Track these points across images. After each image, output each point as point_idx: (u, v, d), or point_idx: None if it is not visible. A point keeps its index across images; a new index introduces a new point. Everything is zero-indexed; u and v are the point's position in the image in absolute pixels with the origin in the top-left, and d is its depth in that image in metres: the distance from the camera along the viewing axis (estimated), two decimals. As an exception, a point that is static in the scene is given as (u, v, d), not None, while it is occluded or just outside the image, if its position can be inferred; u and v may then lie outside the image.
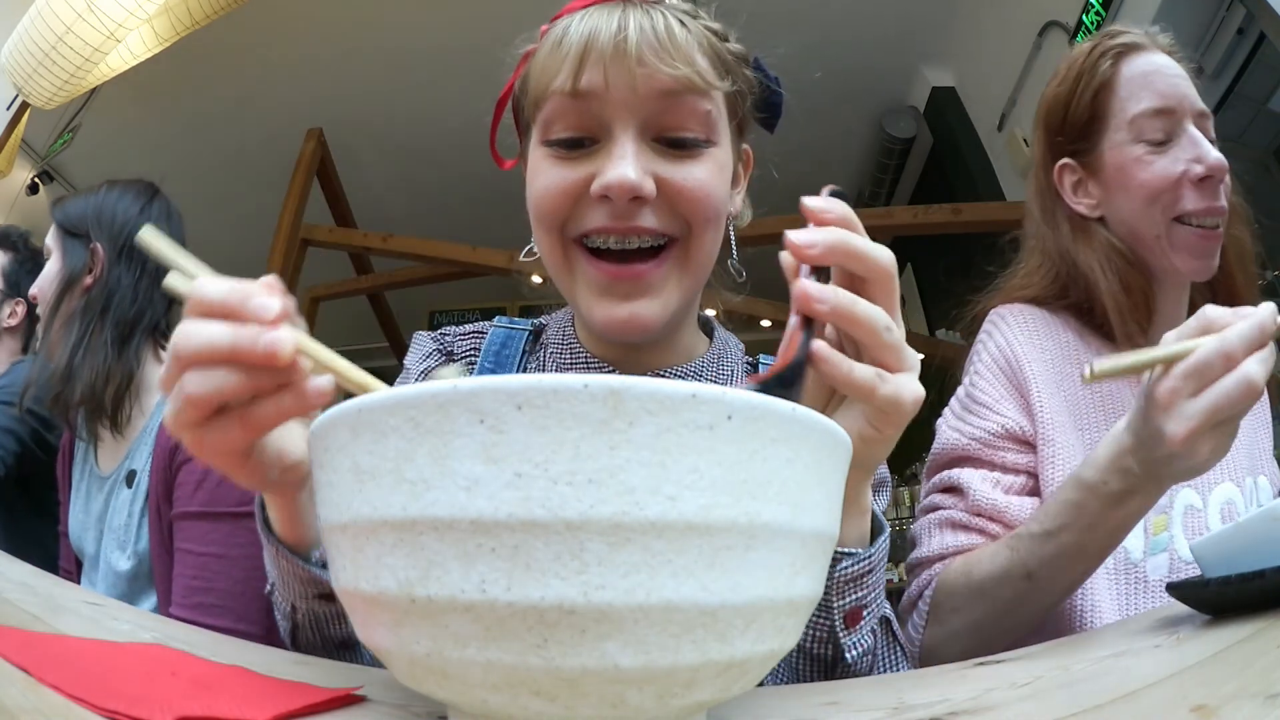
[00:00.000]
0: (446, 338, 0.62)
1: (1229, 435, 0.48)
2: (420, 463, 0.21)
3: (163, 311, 1.07)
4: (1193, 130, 0.74)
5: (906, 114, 3.36)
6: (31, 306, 1.46)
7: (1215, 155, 0.72)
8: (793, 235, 0.35)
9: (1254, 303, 0.63)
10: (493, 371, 0.59)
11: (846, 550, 0.41)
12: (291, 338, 0.31)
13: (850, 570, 0.41)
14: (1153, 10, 2.14)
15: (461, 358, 0.61)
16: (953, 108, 3.11)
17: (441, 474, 0.21)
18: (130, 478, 0.99)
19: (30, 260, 1.47)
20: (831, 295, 0.35)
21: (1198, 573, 0.42)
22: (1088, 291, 0.75)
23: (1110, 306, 0.72)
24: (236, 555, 0.91)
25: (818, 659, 0.44)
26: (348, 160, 3.40)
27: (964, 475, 0.70)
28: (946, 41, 3.05)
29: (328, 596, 0.44)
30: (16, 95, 2.11)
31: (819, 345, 0.35)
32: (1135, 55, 0.77)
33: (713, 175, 0.50)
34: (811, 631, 0.43)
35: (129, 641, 0.38)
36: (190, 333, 0.32)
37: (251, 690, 0.30)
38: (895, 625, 0.49)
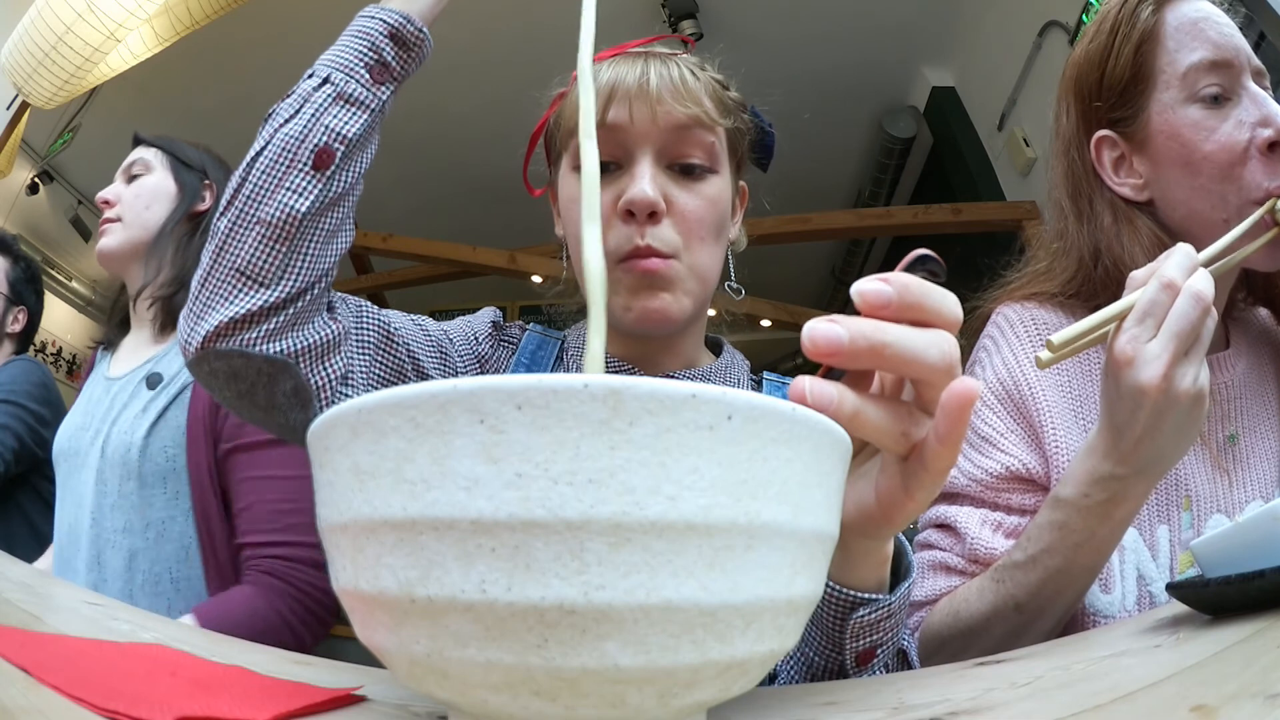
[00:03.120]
0: (498, 322, 0.69)
1: (1200, 362, 0.47)
2: (420, 463, 0.21)
3: None
4: (1254, 87, 0.63)
5: (906, 114, 3.35)
6: (32, 315, 1.47)
7: None
8: (814, 327, 0.28)
9: None
10: (528, 366, 0.64)
11: (866, 596, 0.39)
12: None
13: (868, 617, 0.40)
14: (1153, 10, 2.13)
15: (505, 338, 0.67)
16: (953, 108, 3.11)
17: (441, 474, 0.21)
18: (153, 380, 0.98)
19: (26, 266, 1.48)
20: (835, 400, 0.29)
21: None
22: None
23: None
24: None
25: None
26: (348, 160, 3.39)
27: (960, 515, 0.64)
28: (946, 41, 3.05)
29: (380, 73, 0.53)
30: (16, 95, 2.10)
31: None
32: (1182, 1, 0.65)
33: (712, 200, 0.58)
34: (821, 663, 0.42)
35: (129, 641, 0.38)
36: None
37: (251, 690, 0.30)
38: (912, 656, 0.48)
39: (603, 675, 0.21)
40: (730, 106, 0.61)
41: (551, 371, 0.65)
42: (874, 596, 0.39)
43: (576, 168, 0.59)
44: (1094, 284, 0.66)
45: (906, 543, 0.44)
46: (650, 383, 0.21)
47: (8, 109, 2.25)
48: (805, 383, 0.29)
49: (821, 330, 0.28)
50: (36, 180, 3.11)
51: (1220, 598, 0.37)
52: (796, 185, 3.10)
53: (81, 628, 0.42)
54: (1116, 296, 0.65)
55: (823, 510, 0.25)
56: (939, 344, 0.29)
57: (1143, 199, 0.65)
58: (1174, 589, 0.40)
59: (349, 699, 0.30)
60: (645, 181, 0.55)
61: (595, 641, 0.20)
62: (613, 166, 0.58)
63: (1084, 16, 2.39)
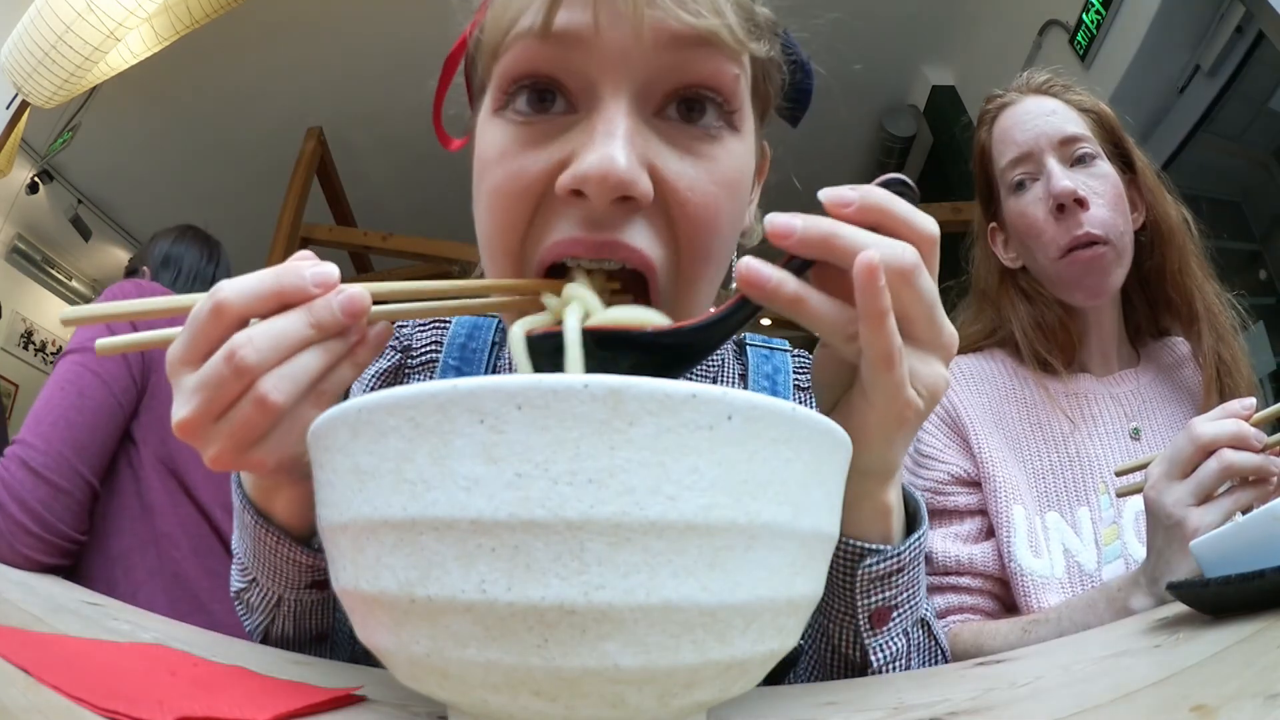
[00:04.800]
0: (404, 330, 0.56)
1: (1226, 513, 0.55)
2: (420, 463, 0.21)
3: None
4: (1049, 164, 0.77)
5: (906, 113, 3.35)
6: None
7: (1061, 184, 0.75)
8: (773, 216, 0.31)
9: (1191, 314, 0.80)
10: (458, 367, 0.55)
11: (871, 546, 0.37)
12: (359, 289, 0.30)
13: (876, 568, 0.38)
14: (1153, 9, 2.13)
15: (421, 351, 0.56)
16: (953, 107, 3.11)
17: (441, 474, 0.21)
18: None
19: None
20: (775, 279, 0.30)
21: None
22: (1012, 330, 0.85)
23: (1020, 338, 0.82)
24: None
25: (847, 659, 0.41)
26: (348, 159, 3.40)
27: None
28: (947, 40, 3.05)
29: (320, 584, 0.43)
30: (16, 95, 2.10)
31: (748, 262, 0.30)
32: (1003, 114, 0.83)
33: (728, 181, 0.37)
34: (839, 630, 0.40)
35: (129, 641, 0.38)
36: (251, 341, 0.28)
37: (251, 690, 0.30)
38: (936, 629, 0.45)
39: (603, 675, 0.21)
40: (761, 24, 0.39)
41: (491, 355, 0.57)
42: (879, 546, 0.38)
43: (499, 109, 0.37)
44: (994, 325, 0.87)
45: (917, 494, 0.42)
46: (650, 383, 0.21)
47: (8, 109, 2.25)
48: (748, 259, 0.30)
49: (780, 218, 0.30)
50: (36, 180, 3.11)
51: (1220, 598, 0.37)
52: (795, 186, 3.09)
53: (81, 628, 0.42)
54: (1008, 333, 0.86)
55: (823, 510, 0.25)
56: (890, 245, 0.30)
57: (1017, 266, 0.86)
58: (1174, 589, 0.40)
59: (349, 699, 0.30)
60: (614, 142, 0.33)
61: (595, 641, 0.20)
62: (560, 104, 0.36)
63: (1084, 16, 2.39)
